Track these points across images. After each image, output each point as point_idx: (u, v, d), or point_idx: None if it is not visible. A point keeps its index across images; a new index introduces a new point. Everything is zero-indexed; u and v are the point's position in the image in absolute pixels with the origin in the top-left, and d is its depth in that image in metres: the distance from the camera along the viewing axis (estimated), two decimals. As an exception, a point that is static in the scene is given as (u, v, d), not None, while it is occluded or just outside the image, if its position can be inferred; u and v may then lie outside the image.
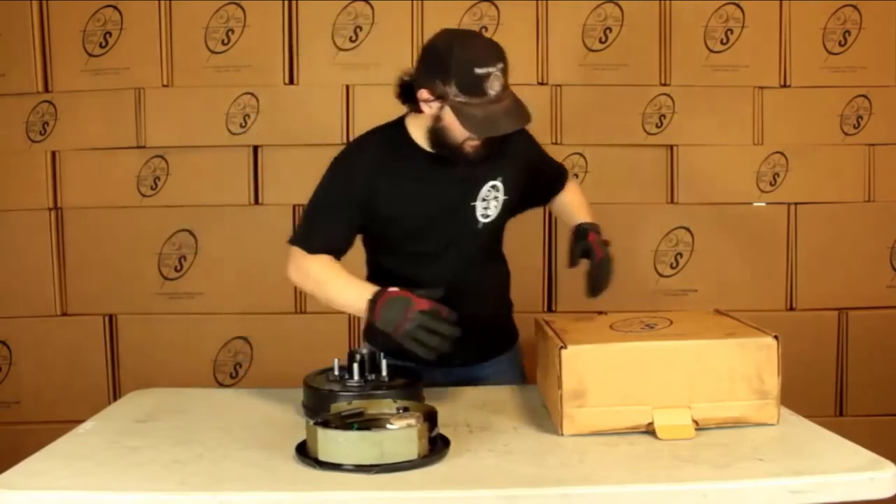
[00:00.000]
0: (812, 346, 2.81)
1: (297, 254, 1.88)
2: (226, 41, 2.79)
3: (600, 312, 1.94)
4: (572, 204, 2.12)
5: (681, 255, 2.83)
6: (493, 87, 1.71)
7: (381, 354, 1.81)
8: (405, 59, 2.78)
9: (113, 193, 2.81)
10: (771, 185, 2.86)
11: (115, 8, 2.78)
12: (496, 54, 1.74)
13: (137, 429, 1.72)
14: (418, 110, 1.81)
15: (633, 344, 1.61)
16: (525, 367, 2.15)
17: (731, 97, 2.84)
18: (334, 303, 1.84)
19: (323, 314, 2.80)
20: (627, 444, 1.56)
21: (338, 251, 1.88)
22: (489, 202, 1.92)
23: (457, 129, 1.75)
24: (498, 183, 1.91)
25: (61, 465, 1.49)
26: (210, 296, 2.82)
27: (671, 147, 2.85)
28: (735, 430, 1.61)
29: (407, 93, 1.83)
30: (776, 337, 1.64)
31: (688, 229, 2.84)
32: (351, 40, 2.81)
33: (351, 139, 2.79)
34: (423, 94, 1.77)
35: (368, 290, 1.74)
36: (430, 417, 1.51)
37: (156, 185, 2.81)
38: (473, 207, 1.90)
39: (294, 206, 2.80)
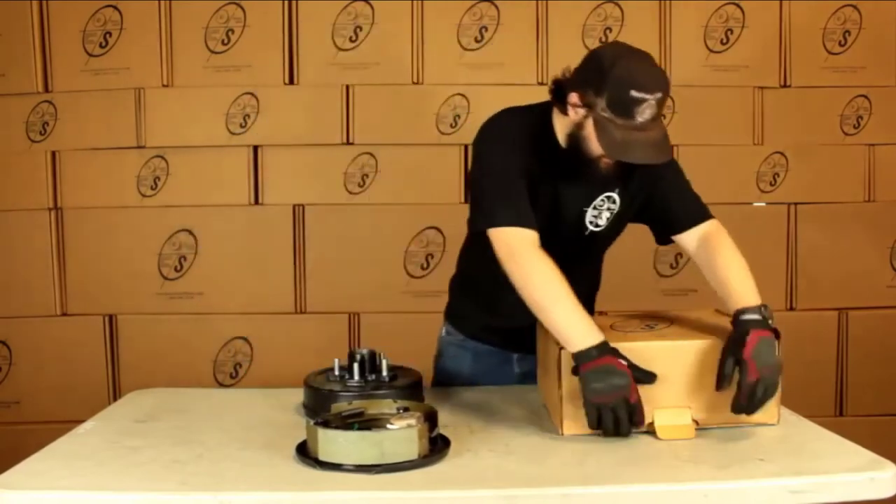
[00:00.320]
0: (812, 346, 2.81)
1: (517, 240, 1.70)
2: (226, 41, 2.79)
3: (601, 312, 1.94)
4: (726, 269, 1.77)
5: (681, 254, 2.83)
6: (643, 114, 1.63)
7: (381, 354, 1.81)
8: (405, 59, 2.79)
9: (113, 193, 2.80)
10: (771, 185, 2.86)
11: (115, 8, 2.77)
12: (658, 84, 1.65)
13: (137, 429, 1.72)
14: (565, 112, 1.75)
15: (634, 344, 1.61)
16: None
17: (731, 97, 2.83)
18: (551, 321, 1.65)
19: (323, 314, 2.81)
20: (628, 444, 1.56)
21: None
22: (601, 211, 1.85)
23: (594, 143, 1.68)
24: (614, 195, 1.84)
25: (61, 465, 1.49)
26: (210, 296, 2.82)
27: (671, 147, 2.84)
28: (735, 431, 1.61)
29: (559, 91, 1.77)
30: (777, 336, 1.63)
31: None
32: (351, 40, 2.81)
33: (351, 139, 2.80)
34: (573, 97, 1.72)
35: (594, 336, 1.59)
36: (431, 417, 1.51)
37: (156, 185, 2.81)
38: (584, 213, 1.84)
39: (294, 206, 2.81)
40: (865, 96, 2.87)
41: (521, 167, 1.76)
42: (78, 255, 2.81)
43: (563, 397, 1.60)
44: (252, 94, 2.79)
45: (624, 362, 1.57)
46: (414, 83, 2.81)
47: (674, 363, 1.62)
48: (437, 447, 1.50)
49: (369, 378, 1.77)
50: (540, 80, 2.81)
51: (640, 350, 1.60)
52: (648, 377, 1.59)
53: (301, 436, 1.53)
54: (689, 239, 1.88)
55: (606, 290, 2.06)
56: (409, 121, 2.80)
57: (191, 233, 2.81)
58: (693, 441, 1.57)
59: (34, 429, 2.66)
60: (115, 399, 2.56)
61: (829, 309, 2.86)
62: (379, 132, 2.80)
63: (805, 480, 1.38)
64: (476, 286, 2.03)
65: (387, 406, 1.58)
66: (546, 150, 1.80)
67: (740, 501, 1.39)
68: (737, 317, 1.64)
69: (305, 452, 1.49)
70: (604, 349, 1.57)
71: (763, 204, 2.87)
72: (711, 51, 2.83)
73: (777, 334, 1.63)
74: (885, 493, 1.39)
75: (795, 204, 2.87)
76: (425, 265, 2.81)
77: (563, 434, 1.61)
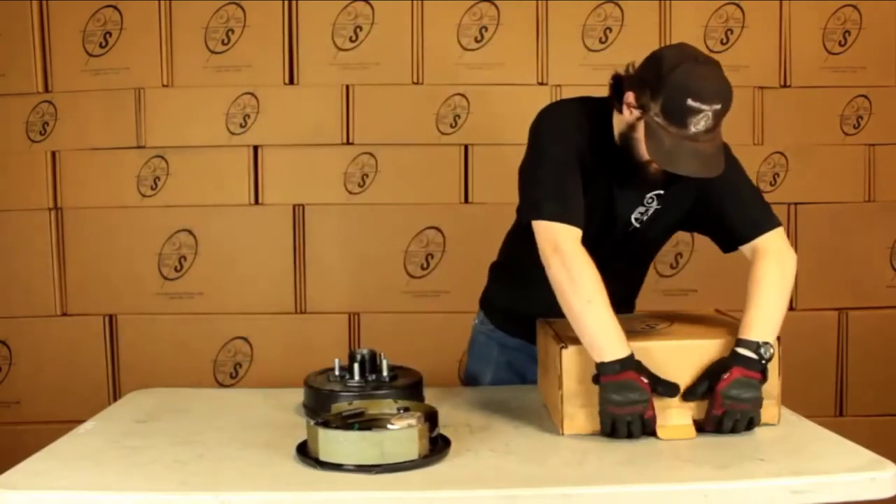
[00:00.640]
0: (812, 346, 2.81)
1: (563, 237, 1.66)
2: (226, 41, 2.79)
3: None
4: (753, 294, 1.71)
5: (681, 254, 2.83)
6: (697, 125, 1.58)
7: (382, 354, 1.81)
8: (405, 59, 2.79)
9: (113, 193, 2.80)
10: (771, 185, 2.86)
11: (115, 8, 2.77)
12: (719, 95, 1.59)
13: (138, 429, 1.72)
14: (620, 110, 1.71)
15: (634, 343, 1.61)
16: None
17: (731, 97, 2.83)
18: (580, 327, 1.61)
19: (323, 314, 2.81)
20: (628, 444, 1.56)
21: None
22: (648, 208, 1.81)
23: (643, 148, 1.65)
24: (661, 191, 1.78)
25: (61, 465, 1.49)
26: (210, 296, 2.82)
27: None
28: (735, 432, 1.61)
29: (617, 88, 1.72)
30: (777, 337, 1.64)
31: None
32: (351, 40, 2.81)
33: (351, 139, 2.80)
34: (629, 97, 1.67)
35: (621, 348, 1.57)
36: (431, 417, 1.51)
37: (156, 185, 2.81)
38: (632, 211, 1.80)
39: (294, 206, 2.81)
40: (865, 96, 2.87)
41: (577, 159, 1.72)
42: (78, 255, 2.81)
43: (563, 397, 1.61)
44: (252, 94, 2.79)
45: (645, 380, 1.56)
46: (414, 83, 2.81)
47: (675, 363, 1.62)
48: (437, 447, 1.50)
49: (369, 378, 1.77)
50: (540, 80, 2.81)
51: (641, 350, 1.60)
52: (671, 390, 1.59)
53: (301, 436, 1.53)
54: (747, 251, 1.79)
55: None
56: (409, 121, 2.80)
57: (191, 233, 2.81)
58: (693, 441, 1.57)
59: (34, 429, 2.66)
60: (115, 399, 2.56)
61: (829, 309, 2.86)
62: (379, 132, 2.80)
63: (805, 480, 1.38)
64: (515, 273, 2.00)
65: (387, 406, 1.58)
66: (602, 145, 1.75)
67: (740, 501, 1.39)
68: (735, 346, 1.63)
69: (306, 452, 1.49)
70: (627, 364, 1.56)
71: (763, 204, 2.87)
72: (712, 51, 2.83)
73: (764, 376, 1.60)
74: (886, 494, 1.39)
75: (795, 204, 2.87)
76: (425, 265, 2.81)
77: (563, 434, 1.61)
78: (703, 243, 2.84)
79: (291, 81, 2.81)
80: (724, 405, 1.57)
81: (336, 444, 1.44)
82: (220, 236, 2.81)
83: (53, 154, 2.80)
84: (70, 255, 2.81)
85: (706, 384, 1.60)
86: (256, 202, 2.82)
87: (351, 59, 2.81)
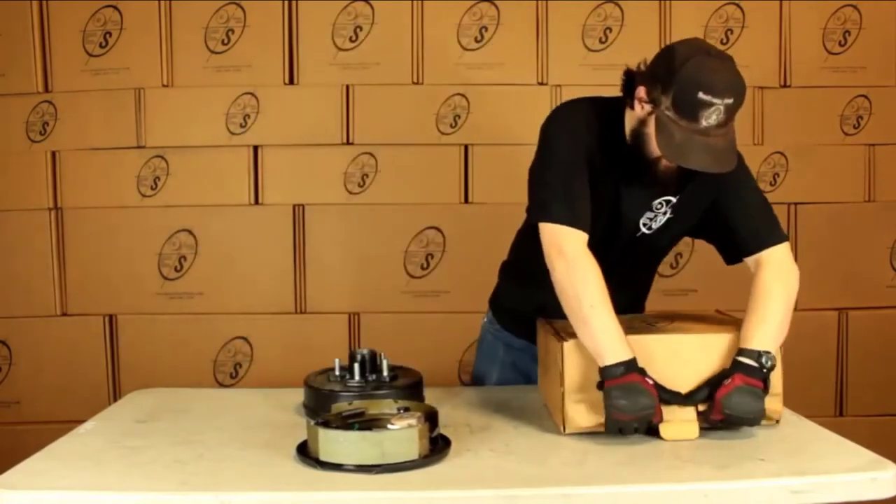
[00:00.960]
0: (812, 346, 2.81)
1: (568, 240, 1.66)
2: (226, 41, 2.79)
3: None
4: (759, 297, 1.70)
5: (681, 255, 2.83)
6: (708, 119, 1.58)
7: (382, 354, 1.81)
8: (405, 59, 2.79)
9: (113, 193, 2.80)
10: (771, 185, 2.86)
11: (115, 8, 2.77)
12: (732, 89, 1.60)
13: (138, 429, 1.72)
14: (631, 106, 1.69)
15: (635, 337, 1.61)
16: None
17: (731, 97, 2.83)
18: (582, 326, 1.61)
19: (323, 314, 2.81)
20: (628, 443, 1.56)
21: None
22: (657, 214, 1.79)
23: (654, 143, 1.63)
24: (673, 199, 1.77)
25: (61, 465, 1.49)
26: (210, 296, 2.82)
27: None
28: (735, 430, 1.61)
29: (629, 84, 1.70)
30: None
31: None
32: (351, 40, 2.81)
33: (351, 139, 2.80)
34: (640, 91, 1.65)
35: (623, 352, 1.57)
36: (431, 417, 1.51)
37: (156, 185, 2.81)
38: (640, 216, 1.79)
39: (294, 206, 2.80)
40: (865, 96, 2.87)
41: (586, 160, 1.71)
42: (78, 255, 2.81)
43: (564, 396, 1.60)
44: (252, 94, 2.78)
45: (650, 381, 1.56)
46: (414, 83, 2.80)
47: (676, 356, 1.62)
48: (437, 447, 1.50)
49: (370, 378, 1.77)
50: (540, 80, 2.81)
51: (642, 343, 1.60)
52: (676, 398, 1.59)
53: (301, 436, 1.53)
54: (751, 263, 1.77)
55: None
56: (409, 121, 2.80)
57: (191, 233, 2.81)
58: (693, 441, 1.58)
59: (34, 429, 2.66)
60: (115, 399, 2.56)
61: (829, 309, 2.86)
62: (379, 132, 2.80)
63: (805, 480, 1.38)
64: (523, 273, 1.99)
65: (387, 406, 1.58)
66: (612, 145, 1.74)
67: (740, 501, 1.39)
68: (736, 355, 1.62)
69: (306, 452, 1.49)
70: (631, 367, 1.56)
71: (763, 204, 2.87)
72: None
73: (766, 385, 1.59)
74: (886, 494, 1.39)
75: (795, 204, 2.87)
76: (425, 265, 2.81)
77: (564, 431, 1.61)
78: (703, 243, 2.85)
79: (291, 81, 2.81)
80: (724, 412, 1.57)
81: (336, 444, 1.44)
82: (220, 236, 2.81)
83: (53, 154, 2.80)
84: (70, 255, 2.81)
85: (706, 391, 1.60)
86: (256, 202, 2.82)
87: (351, 59, 2.81)
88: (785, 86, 2.86)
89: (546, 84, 2.81)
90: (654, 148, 1.64)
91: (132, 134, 2.79)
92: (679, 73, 1.58)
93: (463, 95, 2.79)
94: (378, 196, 2.81)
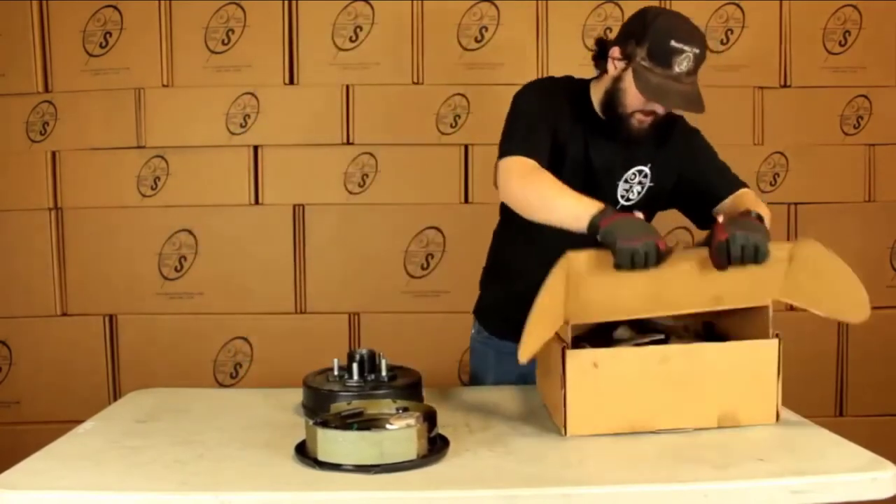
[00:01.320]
0: (812, 346, 2.81)
1: (519, 164, 1.76)
2: (226, 41, 2.79)
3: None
4: (742, 202, 1.82)
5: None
6: (681, 65, 1.72)
7: (381, 354, 1.81)
8: (405, 59, 2.79)
9: (113, 193, 2.81)
10: (771, 185, 2.86)
11: (115, 8, 2.78)
12: (698, 40, 1.75)
13: (138, 429, 1.71)
14: (605, 69, 1.82)
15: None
16: None
17: (731, 97, 2.83)
18: (557, 211, 1.68)
19: (323, 314, 2.81)
20: (628, 444, 1.56)
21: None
22: (632, 185, 1.90)
23: (631, 95, 1.77)
24: (646, 169, 1.90)
25: (61, 465, 1.48)
26: (210, 296, 2.82)
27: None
28: (735, 430, 1.61)
29: (602, 51, 1.84)
30: (777, 336, 1.64)
31: (688, 229, 2.84)
32: (351, 40, 2.81)
33: (351, 139, 2.80)
34: (615, 51, 1.80)
35: (598, 205, 1.63)
36: (430, 417, 1.51)
37: (156, 185, 2.81)
38: (616, 186, 1.89)
39: (294, 206, 2.81)
40: (865, 96, 2.87)
41: (551, 117, 1.81)
42: (78, 255, 2.81)
43: (566, 397, 1.60)
44: (252, 94, 2.79)
45: (640, 214, 1.61)
46: (414, 83, 2.81)
47: (676, 363, 1.61)
48: (436, 447, 1.50)
49: (368, 378, 1.77)
50: (540, 80, 2.81)
51: (642, 349, 1.60)
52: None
53: (301, 436, 1.53)
54: (723, 207, 1.87)
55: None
56: (409, 121, 2.80)
57: (191, 233, 2.81)
58: (693, 441, 1.57)
59: (34, 429, 2.66)
60: (115, 399, 2.55)
61: (829, 309, 2.86)
62: (379, 132, 2.80)
63: (805, 480, 1.38)
64: (503, 274, 2.05)
65: (386, 406, 1.58)
66: (581, 112, 1.86)
67: (740, 502, 1.39)
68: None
69: (305, 452, 1.48)
70: (614, 209, 1.63)
71: (763, 204, 2.87)
72: (712, 51, 2.81)
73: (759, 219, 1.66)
74: (886, 494, 1.39)
75: (795, 204, 2.87)
76: (425, 265, 2.81)
77: (566, 435, 1.61)
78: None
79: (291, 81, 2.81)
80: (728, 230, 1.58)
81: (335, 444, 1.44)
82: (220, 236, 2.82)
83: (53, 154, 2.80)
84: (70, 255, 2.81)
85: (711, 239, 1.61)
86: (256, 202, 2.82)
87: (351, 59, 2.81)
88: (785, 86, 2.86)
89: (546, 84, 2.81)
90: (630, 102, 1.78)
91: (132, 134, 2.79)
92: (652, 25, 1.74)
93: (463, 95, 2.79)
94: (378, 196, 2.81)
